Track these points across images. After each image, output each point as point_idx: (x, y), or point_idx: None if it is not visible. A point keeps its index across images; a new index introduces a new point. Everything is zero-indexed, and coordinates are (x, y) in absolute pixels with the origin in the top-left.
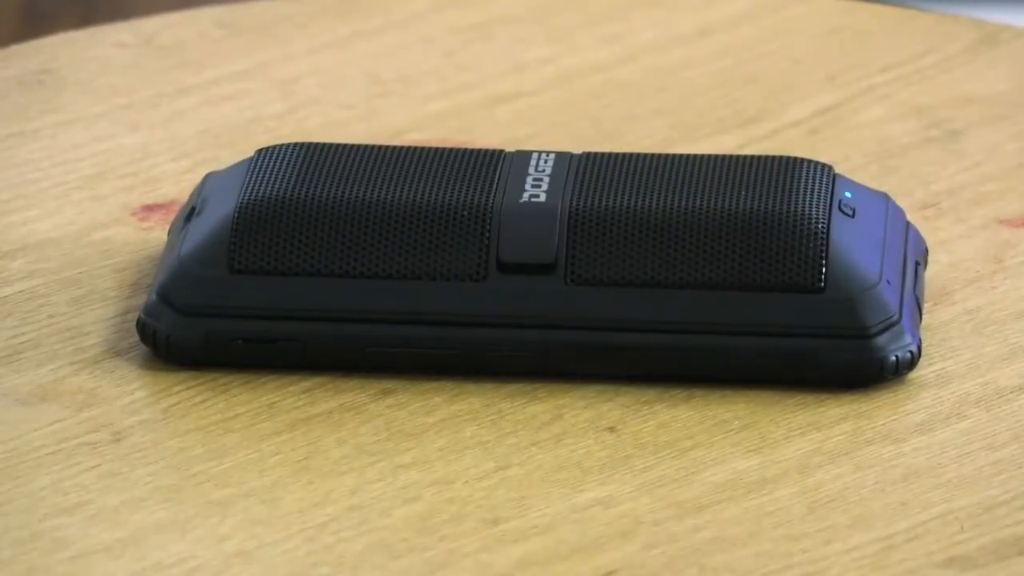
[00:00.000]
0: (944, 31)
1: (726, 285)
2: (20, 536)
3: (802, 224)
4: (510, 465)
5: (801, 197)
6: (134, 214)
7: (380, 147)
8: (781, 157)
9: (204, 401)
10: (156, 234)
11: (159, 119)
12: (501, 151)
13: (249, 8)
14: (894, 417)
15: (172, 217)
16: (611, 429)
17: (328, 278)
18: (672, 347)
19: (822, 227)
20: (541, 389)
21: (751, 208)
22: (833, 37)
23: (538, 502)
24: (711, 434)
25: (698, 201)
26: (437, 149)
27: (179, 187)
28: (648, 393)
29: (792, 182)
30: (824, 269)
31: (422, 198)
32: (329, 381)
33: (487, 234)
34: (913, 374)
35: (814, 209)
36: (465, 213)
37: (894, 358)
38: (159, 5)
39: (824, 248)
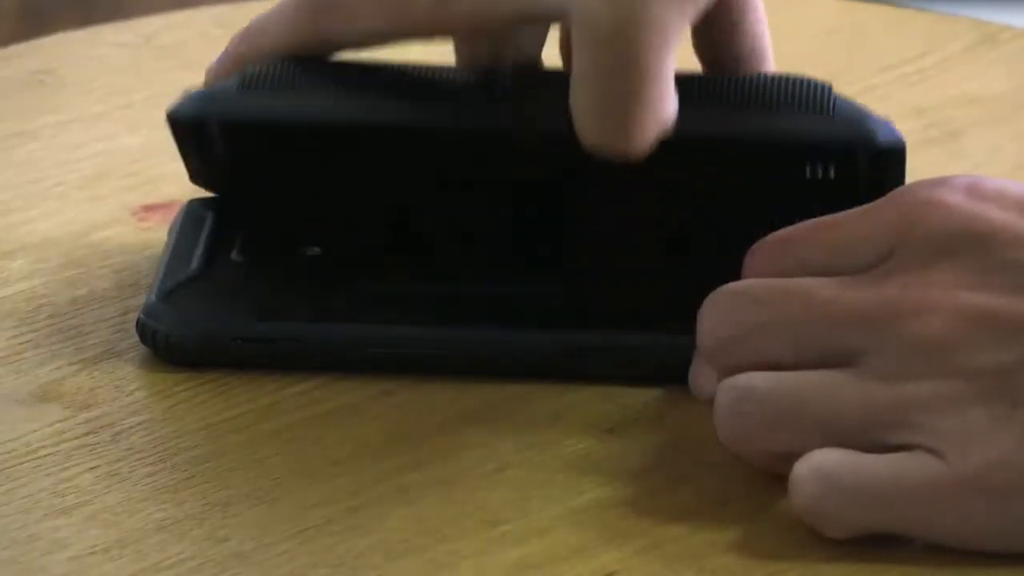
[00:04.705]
0: (944, 31)
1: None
2: (19, 536)
3: None
4: (510, 465)
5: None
6: (134, 214)
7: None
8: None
9: (204, 401)
10: (156, 234)
11: (159, 119)
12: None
13: (249, 8)
14: None
15: (172, 217)
16: (611, 429)
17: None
18: (671, 347)
19: None
20: (541, 389)
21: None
22: (833, 37)
23: (538, 503)
24: (711, 434)
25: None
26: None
27: (179, 187)
28: (648, 393)
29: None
30: None
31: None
32: (329, 381)
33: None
34: None
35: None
36: None
37: None
38: (159, 5)
39: None
